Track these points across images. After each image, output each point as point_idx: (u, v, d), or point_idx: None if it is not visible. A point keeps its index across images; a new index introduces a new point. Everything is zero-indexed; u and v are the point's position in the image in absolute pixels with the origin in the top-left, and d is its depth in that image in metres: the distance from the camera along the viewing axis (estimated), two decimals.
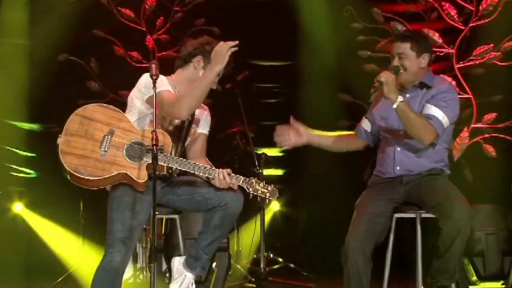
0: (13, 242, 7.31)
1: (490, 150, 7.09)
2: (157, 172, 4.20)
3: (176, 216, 4.77)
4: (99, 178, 4.18)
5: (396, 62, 4.42)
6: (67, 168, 4.17)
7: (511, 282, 6.15)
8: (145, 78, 4.35)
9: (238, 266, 6.78)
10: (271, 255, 7.02)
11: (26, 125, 7.61)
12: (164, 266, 6.43)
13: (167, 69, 7.15)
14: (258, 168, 6.62)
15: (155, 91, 4.11)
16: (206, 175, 4.25)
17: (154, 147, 3.99)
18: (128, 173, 4.18)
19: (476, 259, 6.19)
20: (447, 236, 4.22)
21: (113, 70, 7.61)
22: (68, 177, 4.24)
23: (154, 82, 4.14)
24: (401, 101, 4.24)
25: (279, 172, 7.92)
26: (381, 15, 7.36)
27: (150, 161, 4.13)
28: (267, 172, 7.09)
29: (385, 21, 7.36)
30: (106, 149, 4.19)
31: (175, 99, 4.24)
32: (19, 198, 7.58)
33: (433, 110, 4.35)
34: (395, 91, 4.26)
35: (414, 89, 4.50)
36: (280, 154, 7.78)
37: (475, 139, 7.14)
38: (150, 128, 4.18)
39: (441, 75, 4.66)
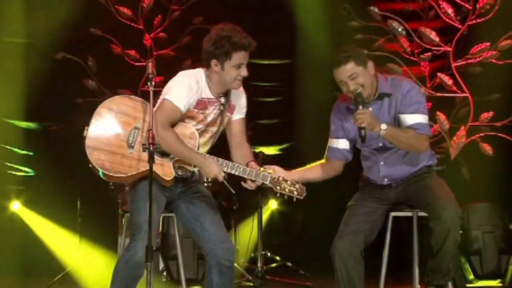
0: (10, 241, 7.31)
1: (487, 148, 7.08)
2: (182, 173, 4.21)
3: (173, 215, 4.74)
4: (126, 175, 4.15)
5: (352, 85, 4.27)
6: (94, 165, 4.12)
7: (508, 281, 6.16)
8: (186, 81, 4.23)
9: (236, 264, 6.78)
10: (269, 254, 7.03)
11: (24, 124, 7.61)
12: (161, 265, 6.45)
13: (165, 67, 7.22)
14: None
15: (151, 89, 4.09)
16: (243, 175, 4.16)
17: (151, 145, 3.96)
18: (155, 170, 4.09)
19: (473, 257, 6.20)
20: (438, 236, 4.22)
21: (111, 69, 7.62)
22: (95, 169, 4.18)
23: (151, 81, 4.12)
24: (385, 129, 4.19)
25: None
26: (378, 14, 7.35)
27: (177, 159, 4.12)
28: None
29: (382, 19, 7.35)
30: (132, 144, 4.13)
31: (165, 128, 4.11)
32: (16, 197, 7.59)
33: (414, 118, 4.31)
34: (376, 123, 4.20)
35: (375, 102, 4.40)
36: (278, 153, 7.79)
37: (472, 138, 7.14)
38: (179, 123, 4.16)
39: (391, 76, 4.51)
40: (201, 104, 4.25)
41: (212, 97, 4.29)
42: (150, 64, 4.16)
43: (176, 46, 7.75)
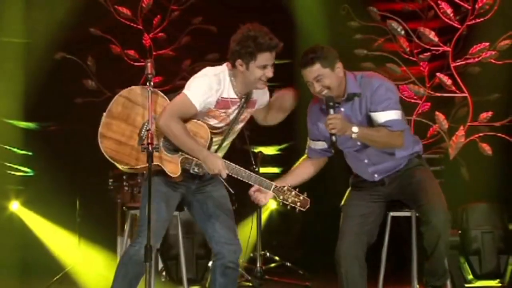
0: (9, 241, 7.30)
1: (486, 148, 7.08)
2: (198, 170, 4.19)
3: (177, 213, 4.70)
4: (133, 167, 4.17)
5: (317, 87, 4.23)
6: (103, 153, 4.16)
7: (507, 281, 6.16)
8: (207, 80, 4.20)
9: None
10: (268, 254, 7.03)
11: (23, 124, 7.61)
12: (160, 265, 6.44)
13: (164, 67, 7.22)
14: (254, 166, 6.62)
15: (149, 90, 4.10)
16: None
17: (150, 145, 3.97)
18: (162, 165, 4.12)
19: (472, 257, 6.19)
20: (429, 241, 4.21)
21: (110, 69, 7.61)
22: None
23: (150, 81, 4.13)
24: (357, 131, 4.14)
25: (275, 170, 7.91)
26: (378, 14, 7.36)
27: (187, 156, 4.11)
28: (263, 170, 7.09)
29: (382, 19, 7.36)
30: (143, 137, 4.12)
31: (173, 118, 4.08)
32: (15, 197, 7.58)
33: (385, 116, 4.23)
34: (348, 126, 4.15)
35: (345, 102, 4.34)
36: (277, 153, 7.79)
37: (471, 138, 7.14)
38: (191, 120, 4.15)
39: (360, 73, 4.40)
40: (222, 104, 4.23)
41: (235, 96, 4.27)
42: (149, 64, 4.17)
43: (176, 46, 7.75)
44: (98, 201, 6.95)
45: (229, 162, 4.16)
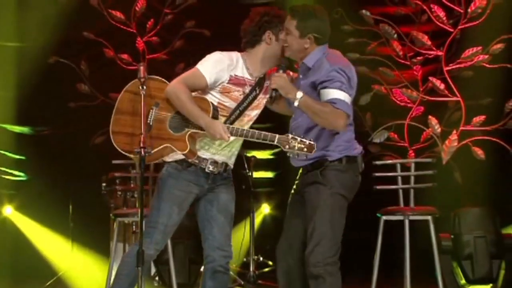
0: (2, 245, 7.29)
1: (479, 152, 7.09)
2: (213, 168, 4.22)
3: None
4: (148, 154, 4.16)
5: (283, 36, 4.22)
6: (118, 149, 4.19)
7: (500, 285, 6.16)
8: (218, 55, 4.24)
9: None
10: (261, 258, 7.02)
11: (16, 128, 7.60)
12: (153, 270, 6.43)
13: (157, 71, 7.20)
14: (247, 170, 6.61)
15: (143, 93, 4.10)
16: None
17: (142, 149, 3.99)
18: (170, 145, 4.15)
19: (464, 262, 6.18)
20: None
21: (103, 72, 7.61)
22: None
23: (143, 85, 4.13)
24: (301, 97, 4.05)
25: (269, 175, 7.91)
26: (371, 17, 7.37)
27: (193, 131, 4.12)
28: (257, 174, 7.09)
29: (375, 23, 7.37)
30: (151, 123, 4.15)
31: (181, 84, 4.16)
32: (8, 201, 7.56)
33: (335, 93, 4.06)
34: (292, 88, 4.09)
35: (302, 69, 4.26)
36: (270, 157, 7.78)
37: (464, 142, 7.15)
38: (193, 95, 4.15)
39: (330, 54, 4.24)
40: (236, 80, 4.24)
41: (250, 77, 4.28)
42: (141, 67, 4.18)
43: (169, 50, 7.75)
44: (91, 206, 6.94)
45: (232, 126, 4.16)
